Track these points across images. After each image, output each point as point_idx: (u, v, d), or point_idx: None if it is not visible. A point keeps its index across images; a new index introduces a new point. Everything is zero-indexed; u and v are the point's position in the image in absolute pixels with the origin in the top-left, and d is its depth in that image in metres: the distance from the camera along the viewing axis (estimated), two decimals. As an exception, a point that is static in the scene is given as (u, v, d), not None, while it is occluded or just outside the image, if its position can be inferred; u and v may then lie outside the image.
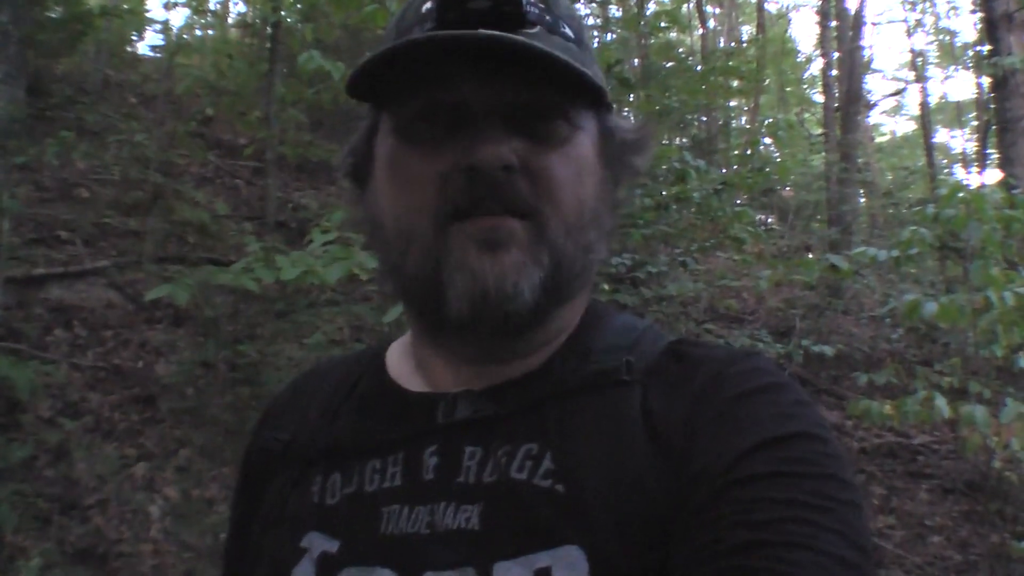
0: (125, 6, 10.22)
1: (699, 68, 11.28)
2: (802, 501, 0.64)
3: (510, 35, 0.70)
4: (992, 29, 7.88)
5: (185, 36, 10.53)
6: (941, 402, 4.13)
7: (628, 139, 0.88)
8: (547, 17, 0.78)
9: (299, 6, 7.31)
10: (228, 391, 4.97)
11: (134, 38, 11.38)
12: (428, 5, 0.78)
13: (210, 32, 13.37)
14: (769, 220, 13.62)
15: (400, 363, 0.93)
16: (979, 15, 11.92)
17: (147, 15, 11.29)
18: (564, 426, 0.77)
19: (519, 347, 0.83)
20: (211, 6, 12.26)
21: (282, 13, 7.33)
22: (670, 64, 11.40)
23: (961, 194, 4.65)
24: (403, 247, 0.79)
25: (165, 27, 10.20)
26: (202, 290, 4.34)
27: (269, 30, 8.14)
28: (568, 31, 0.80)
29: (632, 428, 0.75)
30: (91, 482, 3.95)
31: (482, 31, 0.70)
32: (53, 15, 7.47)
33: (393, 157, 0.80)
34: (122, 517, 3.77)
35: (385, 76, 0.76)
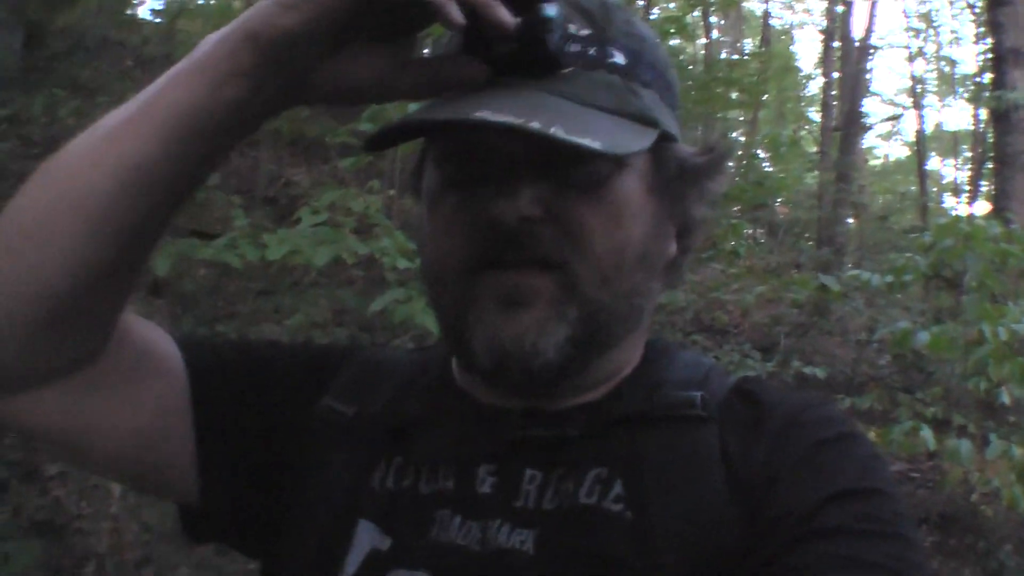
0: (130, -35, 10.08)
1: (701, 77, 11.24)
2: (880, 563, 0.65)
3: (509, 121, 0.62)
4: (998, 63, 7.87)
5: (187, 1, 10.40)
6: (928, 434, 4.12)
7: (691, 166, 0.82)
8: (590, 50, 0.73)
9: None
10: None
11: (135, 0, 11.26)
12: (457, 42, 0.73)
13: (212, 0, 13.26)
14: (758, 234, 13.65)
15: (465, 372, 0.88)
16: (983, 47, 11.97)
17: (151, -23, 11.14)
18: (635, 454, 0.75)
19: (570, 386, 0.79)
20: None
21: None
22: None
23: (961, 226, 4.63)
24: (438, 288, 0.79)
25: (167, -11, 10.09)
26: (184, 262, 4.24)
27: None
28: (617, 57, 0.75)
29: (709, 465, 0.73)
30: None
31: (485, 117, 0.63)
32: (55, -31, 7.34)
33: (431, 196, 0.79)
34: (82, 491, 3.67)
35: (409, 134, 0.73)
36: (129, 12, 10.94)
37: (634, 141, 0.70)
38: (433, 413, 0.85)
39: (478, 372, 0.78)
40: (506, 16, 0.65)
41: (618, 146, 0.67)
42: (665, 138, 0.77)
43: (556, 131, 0.62)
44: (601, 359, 0.80)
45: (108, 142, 0.70)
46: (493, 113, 0.63)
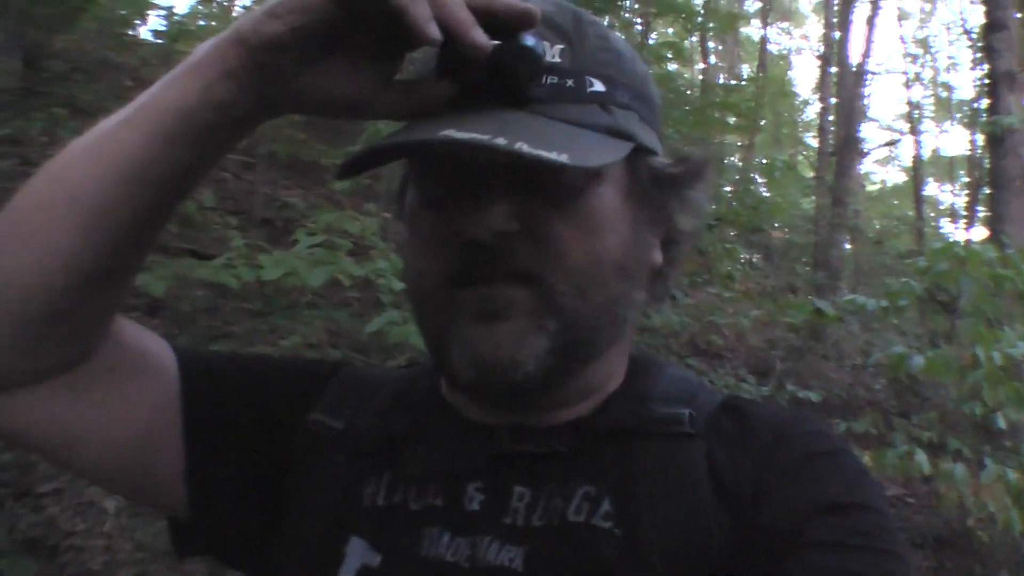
0: (129, -13, 10.10)
1: (698, 102, 11.29)
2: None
3: (474, 138, 0.63)
4: (994, 87, 7.93)
5: (188, 24, 10.43)
6: (922, 457, 4.12)
7: (666, 175, 0.82)
8: (568, 82, 0.73)
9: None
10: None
11: (136, 21, 11.26)
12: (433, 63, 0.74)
13: (214, 23, 13.31)
14: (755, 259, 13.67)
15: (453, 389, 0.88)
16: (980, 72, 12.04)
17: (151, -1, 11.19)
18: (623, 471, 0.75)
19: (555, 400, 0.80)
20: (216, -4, 12.19)
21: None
22: (669, 95, 11.40)
23: (956, 249, 4.65)
24: (419, 303, 0.80)
25: (168, 13, 10.12)
26: (180, 282, 4.24)
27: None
28: (596, 85, 0.75)
29: (697, 481, 0.74)
30: (48, 470, 3.83)
31: (450, 135, 0.64)
32: (55, -10, 7.37)
33: (411, 216, 0.80)
34: (76, 509, 3.65)
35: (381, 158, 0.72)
36: (130, 33, 10.99)
37: (605, 153, 0.70)
38: (422, 429, 0.85)
39: (461, 387, 0.78)
40: (481, 39, 0.66)
41: (587, 158, 0.67)
42: (641, 150, 0.77)
43: (521, 147, 0.62)
44: (585, 371, 0.80)
45: (105, 140, 0.73)
46: (458, 131, 0.64)
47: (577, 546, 0.73)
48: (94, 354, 0.80)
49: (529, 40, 0.69)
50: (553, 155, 0.62)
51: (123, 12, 9.19)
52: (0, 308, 0.72)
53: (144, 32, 11.74)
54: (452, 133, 0.64)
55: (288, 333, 5.02)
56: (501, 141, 0.62)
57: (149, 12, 10.63)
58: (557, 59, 0.73)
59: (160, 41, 10.06)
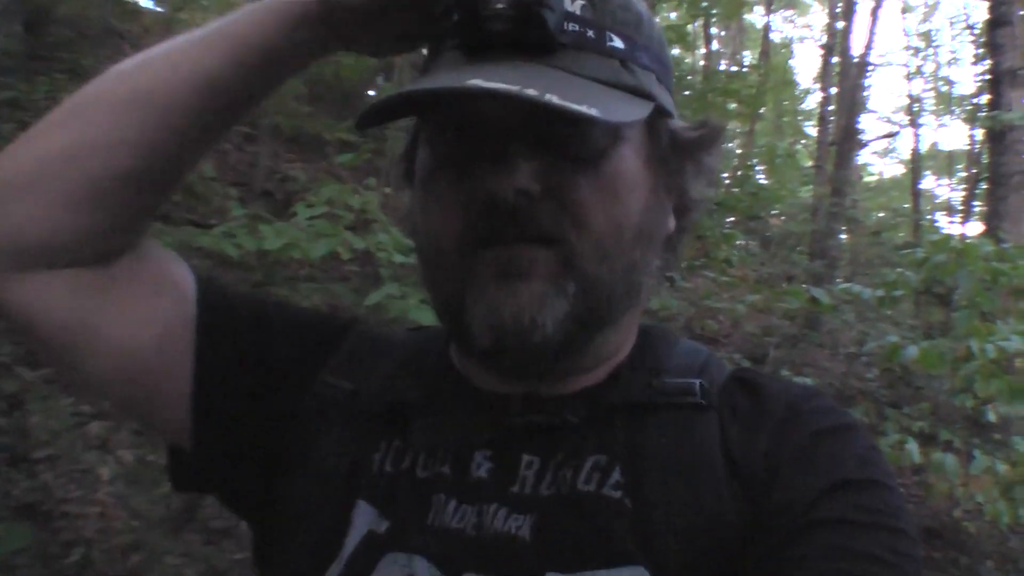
0: (133, -44, 10.02)
1: (700, 87, 11.27)
2: (877, 556, 0.65)
3: (502, 88, 0.62)
4: (995, 83, 7.90)
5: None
6: (913, 447, 4.14)
7: (685, 139, 0.81)
8: (588, 32, 0.72)
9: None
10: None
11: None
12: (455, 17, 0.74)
13: (215, -7, 13.23)
14: (751, 245, 13.66)
15: (462, 357, 0.88)
16: (981, 68, 12.01)
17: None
18: (634, 441, 0.75)
19: (569, 366, 0.79)
20: (220, -34, 12.11)
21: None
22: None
23: (953, 243, 4.66)
24: (433, 269, 0.79)
25: (172, -19, 10.04)
26: (181, 251, 4.24)
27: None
28: (616, 42, 0.74)
29: (710, 455, 0.73)
30: (43, 435, 3.83)
31: (478, 84, 0.63)
32: (58, -46, 7.32)
33: (425, 176, 0.79)
34: (71, 476, 3.65)
35: (401, 110, 0.73)
36: (131, 0, 10.92)
37: (631, 111, 0.70)
38: (431, 397, 0.85)
39: (476, 352, 0.77)
40: None
41: (615, 114, 0.66)
42: (661, 113, 0.77)
43: (551, 98, 0.61)
44: (599, 338, 0.79)
45: (179, 56, 0.81)
46: (486, 81, 0.63)
47: (586, 515, 0.72)
48: (123, 254, 0.82)
49: None
50: (583, 108, 0.62)
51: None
52: (61, 172, 0.77)
53: (146, 1, 11.69)
54: (480, 83, 0.63)
55: (286, 305, 5.02)
56: (531, 92, 0.61)
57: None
58: (578, 12, 0.73)
59: (162, 10, 10.01)
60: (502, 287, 0.71)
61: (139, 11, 10.85)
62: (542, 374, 0.80)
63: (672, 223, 0.84)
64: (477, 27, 0.69)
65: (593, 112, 0.62)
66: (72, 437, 3.99)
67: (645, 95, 0.74)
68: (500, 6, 0.68)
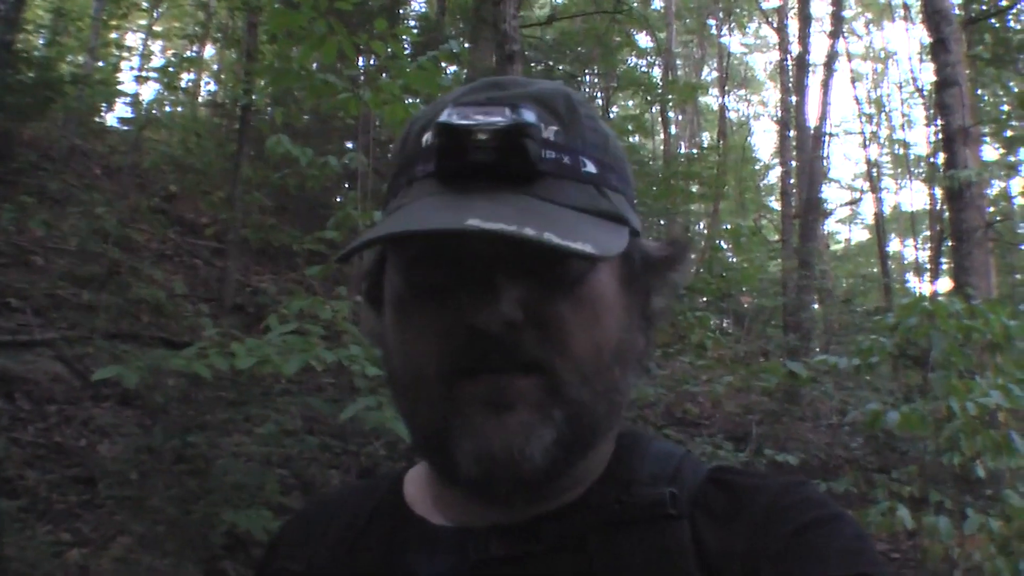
0: (97, 76, 10.19)
1: (662, 172, 11.48)
2: None
3: (502, 229, 0.61)
4: (949, 142, 8.09)
5: (155, 111, 10.53)
6: (904, 513, 4.10)
7: (655, 259, 0.82)
8: (564, 158, 0.72)
9: (270, 90, 7.36)
10: (174, 482, 4.76)
11: (104, 109, 11.33)
12: (428, 138, 0.73)
13: (180, 109, 13.40)
14: (725, 324, 13.72)
15: (421, 494, 0.86)
16: (934, 128, 12.32)
17: (118, 87, 11.26)
18: (610, 563, 0.72)
19: (547, 491, 0.77)
20: (183, 83, 12.32)
21: (253, 96, 7.36)
22: (633, 167, 11.55)
23: (923, 304, 4.71)
24: (412, 398, 0.75)
25: (135, 100, 10.20)
26: (153, 372, 4.21)
27: (239, 111, 8.17)
28: (589, 166, 0.74)
29: (684, 565, 0.71)
30: (21, 567, 3.74)
31: (479, 225, 0.62)
32: (24, 79, 7.43)
33: (399, 303, 0.76)
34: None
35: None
36: (98, 119, 11.05)
37: (615, 240, 0.70)
38: (387, 555, 0.83)
39: (461, 482, 0.73)
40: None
41: (605, 247, 0.66)
42: (632, 234, 0.77)
43: (551, 237, 0.61)
44: (582, 462, 0.77)
45: None
46: (483, 221, 0.62)
47: None
48: None
49: (530, 116, 0.69)
50: (578, 245, 0.62)
51: (91, 88, 9.21)
52: None
53: (111, 119, 11.84)
54: (478, 223, 0.62)
55: (263, 421, 4.97)
56: (530, 231, 0.61)
57: (117, 99, 10.73)
58: (552, 138, 0.73)
59: (127, 128, 10.15)
60: (489, 418, 0.69)
61: (105, 130, 10.99)
62: (522, 503, 0.77)
63: (642, 340, 0.83)
64: (458, 157, 0.69)
65: (587, 248, 0.62)
66: (51, 567, 3.89)
67: (620, 219, 0.74)
68: (483, 136, 0.67)
